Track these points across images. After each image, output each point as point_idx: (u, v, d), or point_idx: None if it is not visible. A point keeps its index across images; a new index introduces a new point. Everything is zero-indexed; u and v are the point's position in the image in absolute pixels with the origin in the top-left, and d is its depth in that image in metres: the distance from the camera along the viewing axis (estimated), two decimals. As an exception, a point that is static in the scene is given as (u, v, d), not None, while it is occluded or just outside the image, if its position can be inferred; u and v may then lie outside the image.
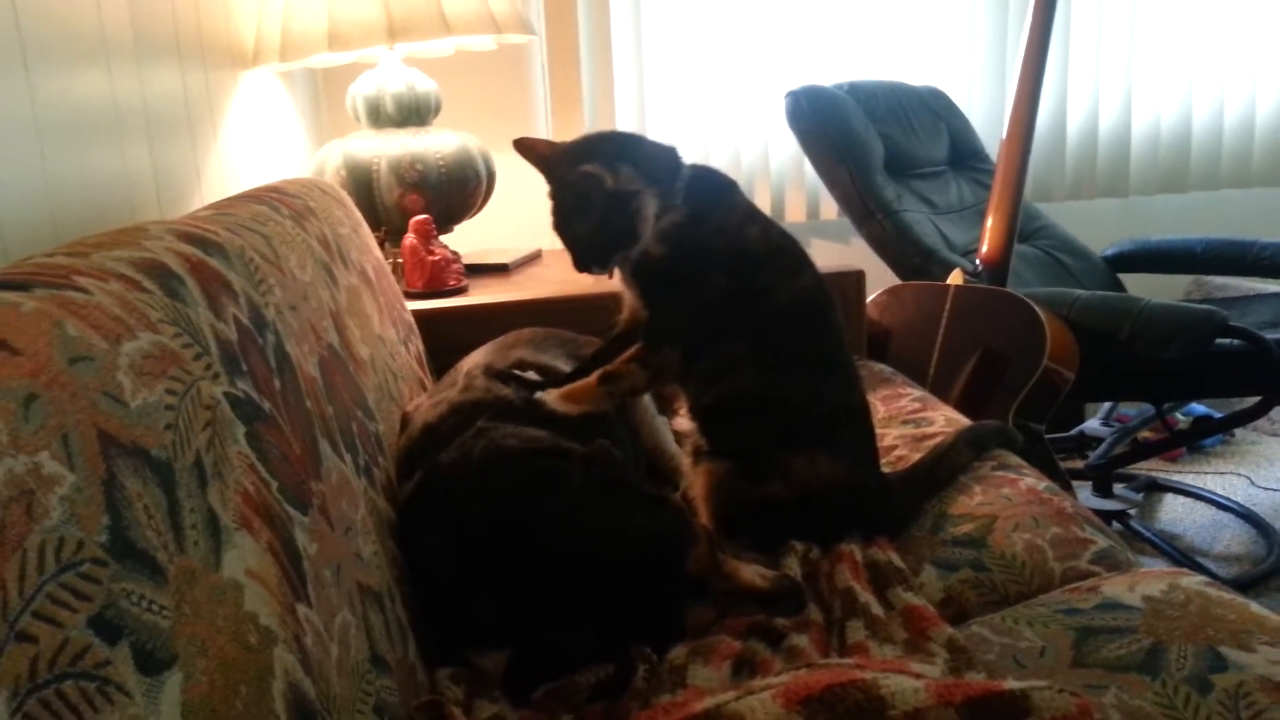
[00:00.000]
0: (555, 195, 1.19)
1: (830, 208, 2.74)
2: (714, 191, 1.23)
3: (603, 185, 1.14)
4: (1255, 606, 0.96)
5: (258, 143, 1.87)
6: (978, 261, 2.19)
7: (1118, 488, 2.60)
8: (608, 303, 1.30)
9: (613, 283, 1.26)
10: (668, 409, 1.50)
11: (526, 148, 1.22)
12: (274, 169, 1.95)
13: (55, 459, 0.53)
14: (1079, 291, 2.06)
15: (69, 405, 0.56)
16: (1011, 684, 0.70)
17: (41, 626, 0.47)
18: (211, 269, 0.84)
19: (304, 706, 0.65)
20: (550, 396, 1.19)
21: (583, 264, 1.19)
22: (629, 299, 1.25)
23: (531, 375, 1.26)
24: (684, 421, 1.28)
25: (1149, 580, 1.02)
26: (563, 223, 1.18)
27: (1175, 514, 2.54)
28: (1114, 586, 1.02)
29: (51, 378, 0.56)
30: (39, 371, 0.56)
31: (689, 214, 1.19)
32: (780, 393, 1.20)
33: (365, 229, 1.54)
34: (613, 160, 1.16)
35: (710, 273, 1.19)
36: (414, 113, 1.98)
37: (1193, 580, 1.02)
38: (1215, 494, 2.58)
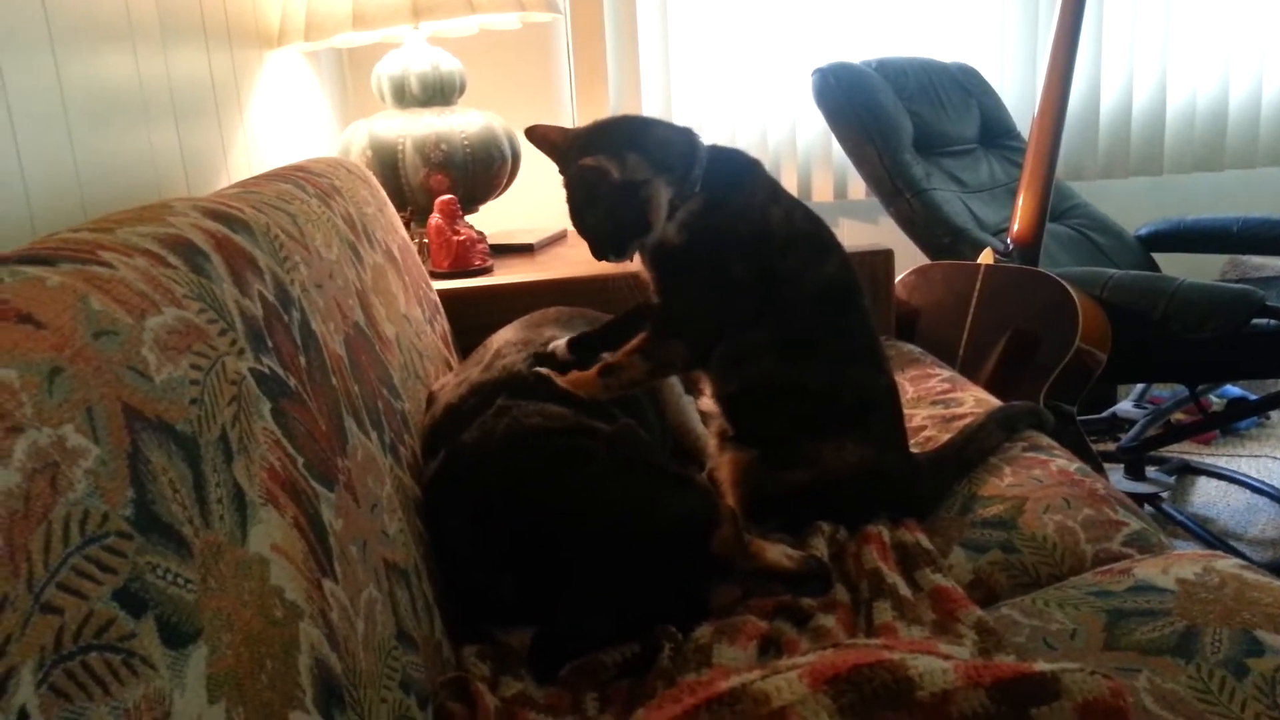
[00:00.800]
0: (566, 187, 1.18)
1: (858, 187, 2.71)
2: (735, 174, 1.21)
3: (608, 177, 1.12)
4: (1292, 590, 0.94)
5: (284, 123, 1.87)
6: (1009, 240, 2.16)
7: (1150, 470, 2.56)
8: (634, 283, 1.29)
9: (636, 264, 1.25)
10: (694, 389, 1.49)
11: (539, 136, 1.20)
12: (300, 149, 1.95)
13: (79, 432, 0.53)
14: (1112, 271, 2.03)
15: (93, 379, 0.56)
16: (1042, 666, 0.69)
17: (67, 598, 0.47)
18: (237, 245, 0.83)
19: (330, 681, 0.65)
20: (553, 375, 1.18)
21: (599, 253, 1.18)
22: (650, 283, 1.24)
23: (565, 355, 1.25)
24: (709, 402, 1.27)
25: (1182, 563, 1.01)
26: (575, 214, 1.17)
27: (1208, 497, 2.50)
28: (1146, 569, 1.01)
29: (76, 351, 0.56)
30: (63, 345, 0.56)
31: (708, 200, 1.17)
32: (806, 380, 1.18)
33: (390, 208, 1.54)
34: (619, 149, 1.13)
35: (731, 260, 1.17)
36: (439, 92, 1.98)
37: (1227, 563, 1.00)
38: (1249, 477, 2.54)
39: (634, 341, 1.19)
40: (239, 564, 0.61)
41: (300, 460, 0.75)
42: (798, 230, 1.21)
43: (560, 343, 1.25)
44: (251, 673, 0.57)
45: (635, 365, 1.18)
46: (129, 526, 0.53)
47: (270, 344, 0.79)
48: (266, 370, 0.76)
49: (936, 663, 0.70)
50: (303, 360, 0.84)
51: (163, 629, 0.52)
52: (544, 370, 1.19)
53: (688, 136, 1.20)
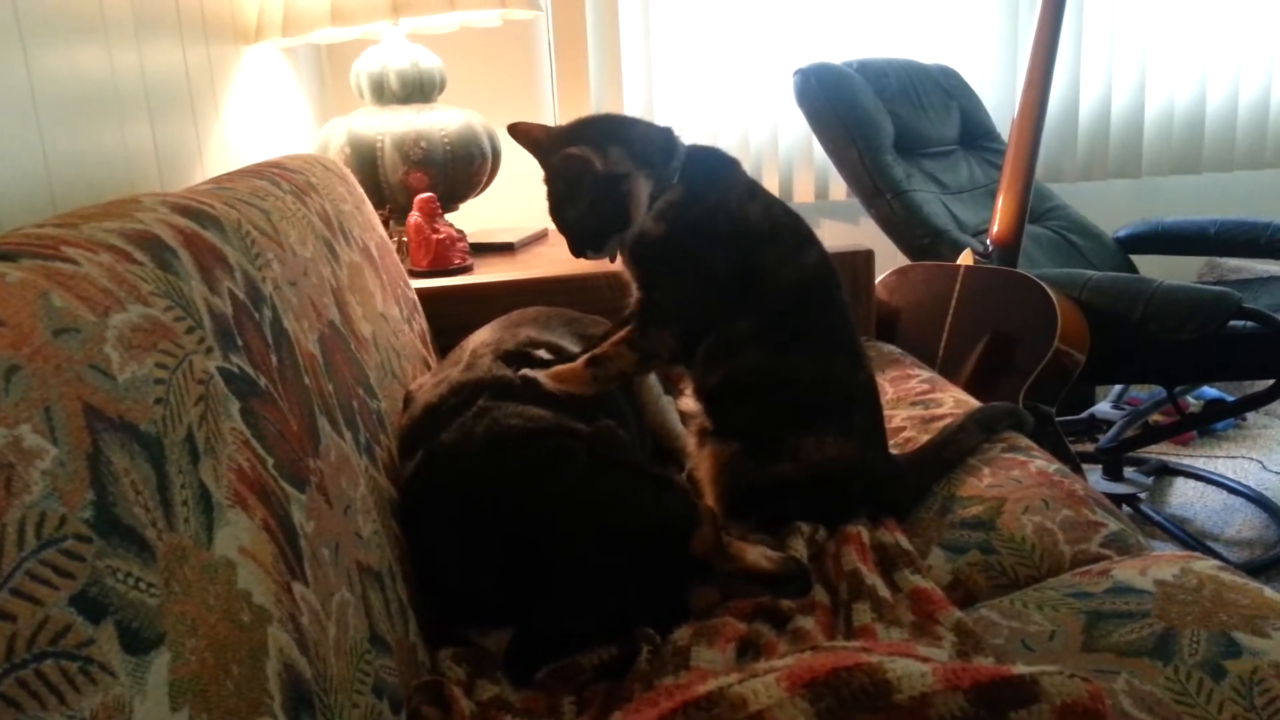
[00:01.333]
0: (548, 181, 1.18)
1: (839, 188, 2.71)
2: (713, 170, 1.21)
3: (591, 167, 1.13)
4: (1269, 591, 0.94)
5: (261, 119, 1.85)
6: (988, 242, 2.17)
7: (1128, 471, 2.57)
8: (613, 282, 1.28)
9: (617, 264, 1.24)
10: (673, 389, 1.48)
11: (521, 133, 1.21)
12: (278, 146, 1.93)
13: (37, 432, 0.51)
14: (1091, 273, 2.04)
15: (52, 378, 0.55)
16: (1020, 669, 0.69)
17: (20, 604, 0.46)
18: (206, 242, 0.82)
19: (299, 686, 0.64)
20: (539, 376, 1.18)
21: (579, 249, 1.18)
22: (631, 281, 1.23)
23: (543, 355, 1.24)
24: (689, 402, 1.26)
25: (1161, 564, 1.01)
26: (555, 208, 1.18)
27: (1186, 498, 2.52)
28: (1125, 570, 1.01)
29: (35, 349, 0.55)
30: (21, 343, 0.54)
31: (686, 192, 1.17)
32: (787, 372, 1.18)
33: (368, 206, 1.52)
34: (602, 142, 1.14)
35: (711, 251, 1.17)
36: (418, 89, 1.96)
37: (1205, 564, 1.00)
38: (1226, 478, 2.56)
39: (619, 334, 1.19)
40: (204, 567, 0.59)
41: (270, 461, 0.74)
42: (777, 223, 1.21)
43: (535, 373, 1.24)
44: (216, 679, 0.56)
45: (623, 356, 1.18)
46: (88, 529, 0.51)
47: (240, 342, 0.78)
48: (236, 369, 0.75)
49: (915, 666, 0.69)
50: (274, 359, 0.83)
51: (123, 635, 0.50)
52: (529, 372, 1.18)
53: (666, 134, 1.21)
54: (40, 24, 1.09)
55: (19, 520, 0.48)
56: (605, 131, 1.17)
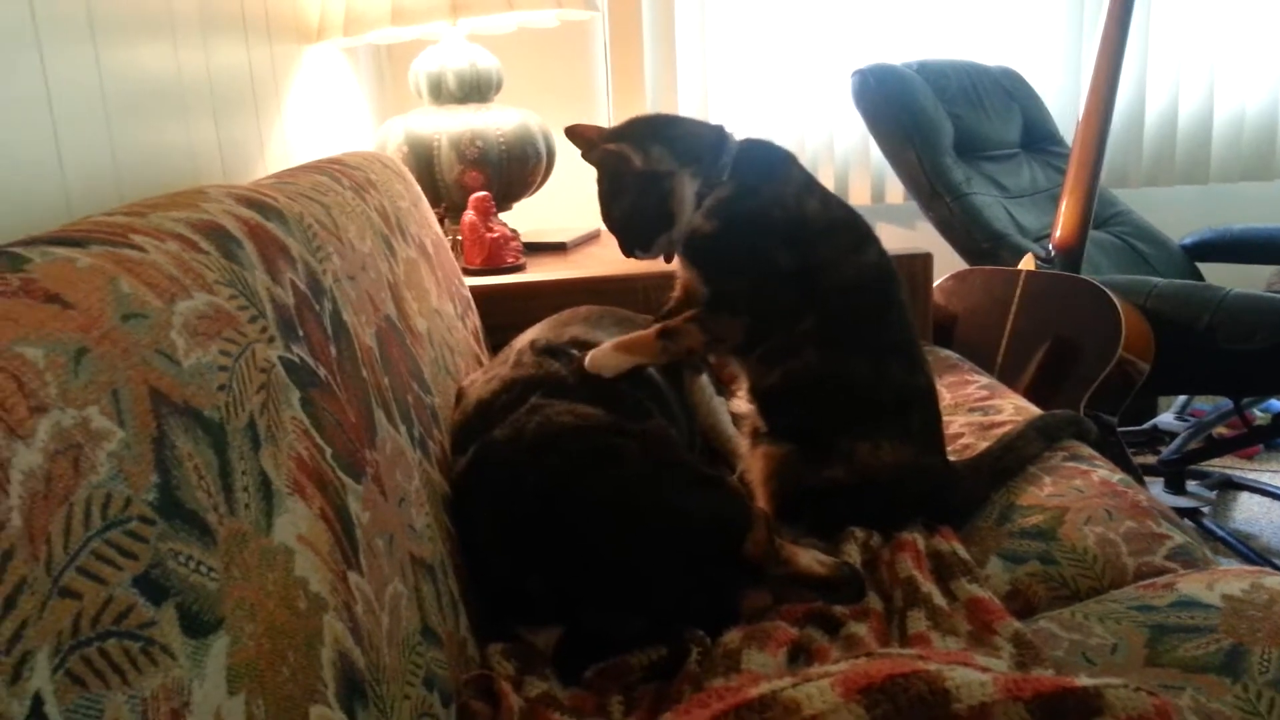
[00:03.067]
0: (598, 180, 1.19)
1: (896, 191, 2.68)
2: (767, 163, 1.19)
3: (630, 164, 1.13)
4: (1344, 610, 0.91)
5: (322, 117, 1.87)
6: (1051, 247, 2.12)
7: (1190, 485, 2.51)
8: (665, 282, 1.27)
9: (671, 265, 1.24)
10: (725, 390, 1.47)
11: (576, 135, 1.21)
12: (337, 144, 1.96)
13: (104, 414, 0.52)
14: (1157, 280, 1.98)
15: (120, 361, 0.55)
16: (1084, 680, 0.67)
17: (86, 583, 0.47)
18: (269, 234, 0.83)
19: (352, 675, 0.64)
20: (605, 347, 1.17)
21: (628, 249, 1.19)
22: (684, 279, 1.23)
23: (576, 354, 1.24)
24: (741, 403, 1.25)
25: (1229, 579, 0.97)
26: (602, 205, 1.18)
27: (1250, 513, 2.44)
28: (1191, 584, 0.97)
29: (103, 333, 0.56)
30: (91, 326, 0.55)
31: (738, 188, 1.16)
32: (845, 374, 1.16)
33: (425, 203, 1.53)
34: (643, 140, 1.15)
35: (767, 247, 1.15)
36: (475, 89, 1.97)
37: (1276, 580, 0.96)
38: (1294, 494, 2.48)
39: (691, 312, 1.18)
40: (263, 554, 0.60)
41: (328, 451, 0.74)
42: (835, 219, 1.19)
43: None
44: (273, 665, 0.56)
45: (693, 334, 1.17)
46: (152, 512, 0.52)
47: (301, 333, 0.78)
48: (296, 359, 0.75)
49: (974, 675, 0.67)
50: (333, 350, 0.84)
51: (183, 617, 0.51)
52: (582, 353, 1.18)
53: (716, 130, 1.20)
54: (111, 23, 1.11)
55: (86, 500, 0.49)
56: (650, 130, 1.17)
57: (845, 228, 1.19)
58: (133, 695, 0.46)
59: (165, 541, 0.52)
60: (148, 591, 0.50)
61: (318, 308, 0.84)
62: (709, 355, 1.32)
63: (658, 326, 1.19)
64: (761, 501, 1.17)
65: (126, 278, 0.61)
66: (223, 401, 0.63)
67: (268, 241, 0.82)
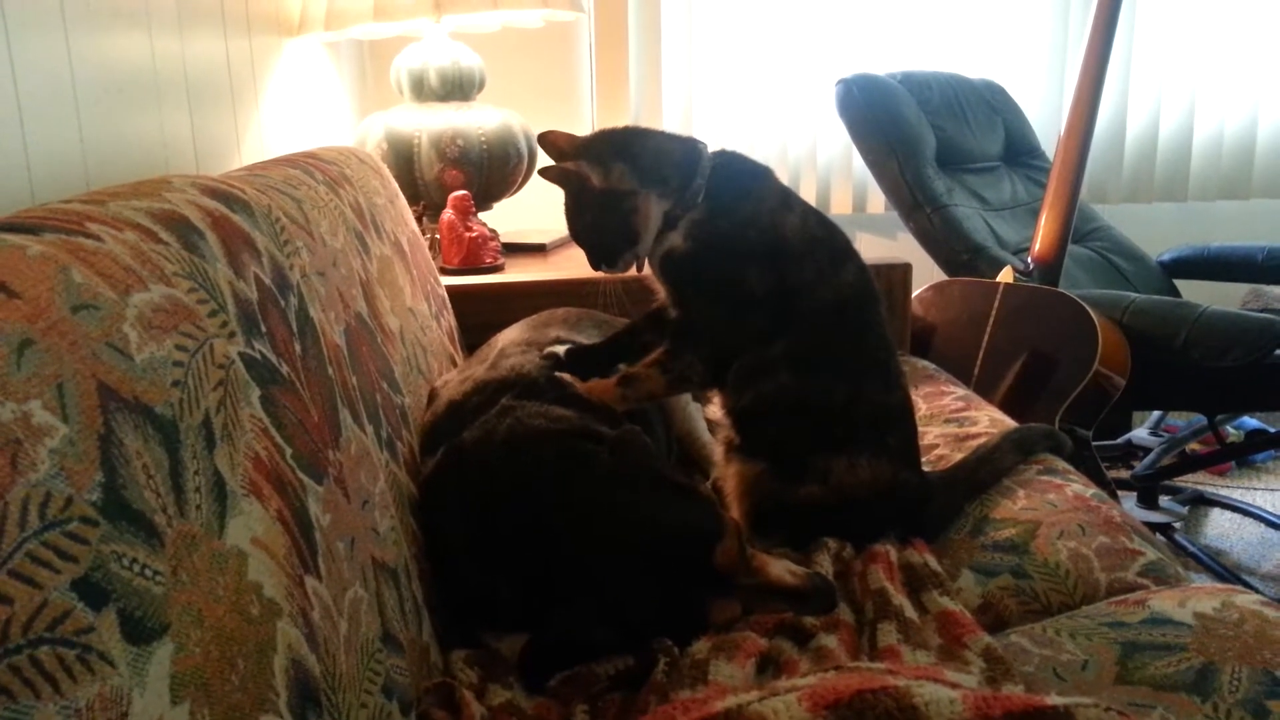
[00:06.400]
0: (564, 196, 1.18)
1: (877, 201, 2.68)
2: (742, 181, 1.18)
3: (588, 184, 1.12)
4: (1316, 630, 0.90)
5: (301, 112, 1.85)
6: (1030, 260, 2.12)
7: (1163, 500, 2.52)
8: (643, 286, 1.26)
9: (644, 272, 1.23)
10: (701, 396, 1.46)
11: (549, 142, 1.20)
12: (316, 139, 1.93)
13: (47, 409, 0.50)
14: (1134, 295, 1.99)
15: (67, 354, 0.53)
16: (1054, 699, 0.65)
17: (18, 587, 0.44)
18: (234, 225, 0.81)
19: (306, 683, 0.62)
20: (572, 380, 1.16)
21: (594, 262, 1.19)
22: (660, 289, 1.21)
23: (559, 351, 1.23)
24: (717, 410, 1.23)
25: (1200, 596, 0.97)
26: (568, 222, 1.18)
27: (1222, 530, 2.45)
28: (1163, 601, 0.97)
29: (50, 324, 0.53)
30: (37, 316, 0.53)
31: (713, 207, 1.14)
32: (820, 395, 1.14)
33: (402, 200, 1.51)
34: (606, 158, 1.13)
35: (743, 268, 1.14)
36: (457, 88, 1.96)
37: (1248, 599, 0.96)
38: (1265, 511, 2.49)
39: (653, 355, 1.18)
40: (214, 557, 0.58)
41: (289, 450, 0.72)
42: (812, 237, 1.17)
43: (560, 349, 1.22)
44: (221, 673, 0.54)
45: (654, 378, 1.17)
46: (94, 512, 0.50)
47: (264, 329, 0.76)
48: (258, 355, 0.73)
49: (944, 691, 0.66)
50: (298, 347, 0.82)
51: (125, 623, 0.49)
52: (565, 376, 1.16)
53: (689, 146, 1.17)
54: (84, 9, 1.09)
55: (22, 499, 0.46)
56: (613, 146, 1.15)
57: (823, 246, 1.17)
58: (65, 705, 0.44)
59: (108, 543, 0.50)
60: (87, 596, 0.47)
61: (283, 303, 0.82)
62: (672, 395, 1.30)
63: (618, 375, 1.18)
64: (736, 515, 1.15)
65: (79, 267, 0.59)
66: (176, 398, 0.61)
67: (232, 234, 0.79)
